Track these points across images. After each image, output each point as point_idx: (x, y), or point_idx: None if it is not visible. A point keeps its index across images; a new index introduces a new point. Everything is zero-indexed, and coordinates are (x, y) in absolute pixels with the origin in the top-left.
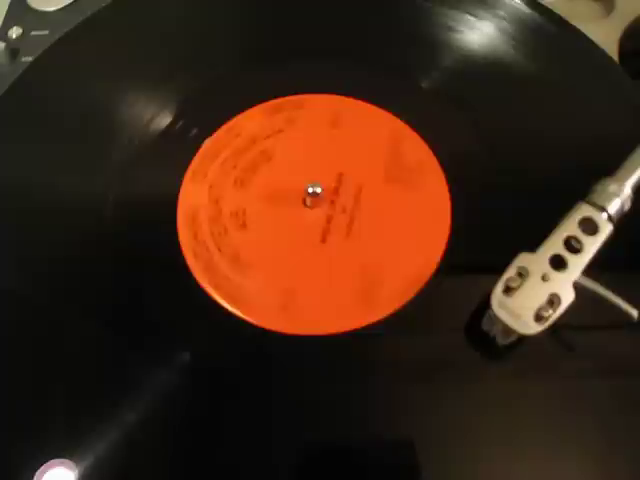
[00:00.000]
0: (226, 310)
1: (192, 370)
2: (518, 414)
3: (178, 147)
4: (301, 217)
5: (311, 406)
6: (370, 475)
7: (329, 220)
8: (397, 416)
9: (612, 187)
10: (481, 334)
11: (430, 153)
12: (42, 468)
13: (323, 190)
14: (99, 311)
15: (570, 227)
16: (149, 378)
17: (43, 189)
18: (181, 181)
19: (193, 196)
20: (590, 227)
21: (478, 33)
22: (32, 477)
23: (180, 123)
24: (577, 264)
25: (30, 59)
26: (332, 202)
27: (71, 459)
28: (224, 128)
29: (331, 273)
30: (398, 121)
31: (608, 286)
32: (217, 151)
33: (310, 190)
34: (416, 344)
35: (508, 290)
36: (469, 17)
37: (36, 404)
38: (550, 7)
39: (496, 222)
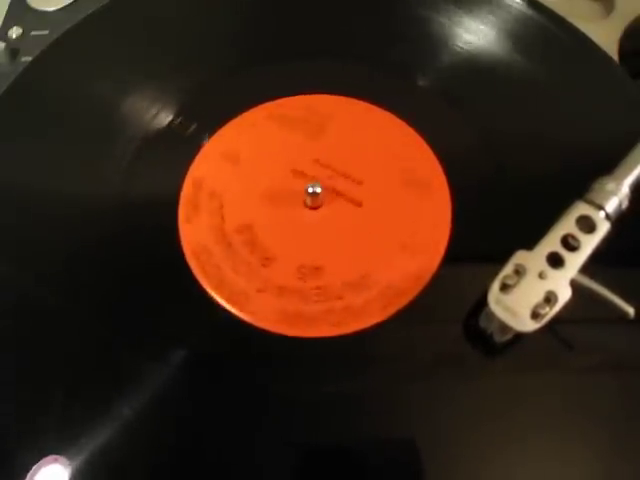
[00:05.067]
0: (226, 310)
1: (191, 370)
2: (517, 412)
3: (179, 146)
4: (301, 217)
5: (311, 406)
6: (370, 475)
7: (329, 219)
8: (397, 416)
9: (610, 185)
10: (479, 331)
11: (430, 152)
12: (36, 465)
13: (323, 189)
14: (98, 310)
15: (567, 225)
16: (147, 377)
17: (43, 189)
18: (182, 180)
19: (195, 195)
20: (587, 225)
21: (478, 33)
22: (26, 474)
23: (181, 122)
24: (574, 262)
25: (30, 59)
26: (331, 200)
27: (65, 456)
28: (226, 126)
29: (331, 272)
30: (398, 120)
31: (605, 284)
32: (218, 149)
33: (310, 190)
34: (415, 343)
35: (505, 287)
36: (469, 17)
37: (32, 401)
38: (550, 7)
39: (496, 220)
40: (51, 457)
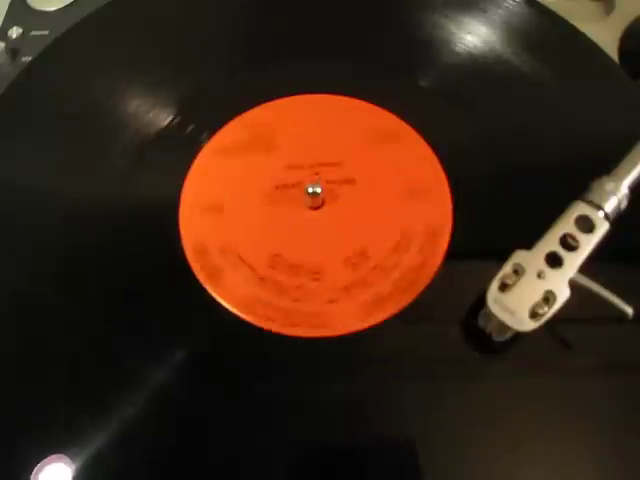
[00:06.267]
0: (226, 310)
1: (191, 369)
2: (516, 412)
3: (179, 146)
4: (302, 216)
5: (311, 406)
6: (370, 475)
7: (330, 220)
8: (395, 416)
9: (609, 185)
10: (477, 331)
11: (430, 152)
12: (40, 464)
13: (323, 190)
14: (98, 310)
15: (566, 225)
16: (148, 376)
17: (43, 189)
18: (182, 180)
19: (195, 195)
20: (586, 225)
21: (478, 33)
22: (30, 473)
23: (181, 123)
24: (573, 262)
25: (30, 59)
26: (330, 201)
27: (69, 455)
28: (225, 126)
29: (331, 273)
30: (398, 120)
31: (604, 284)
32: (218, 149)
33: (310, 190)
34: (414, 343)
35: (504, 287)
36: (469, 17)
37: (35, 400)
38: (550, 7)
39: (495, 220)
40: (55, 456)
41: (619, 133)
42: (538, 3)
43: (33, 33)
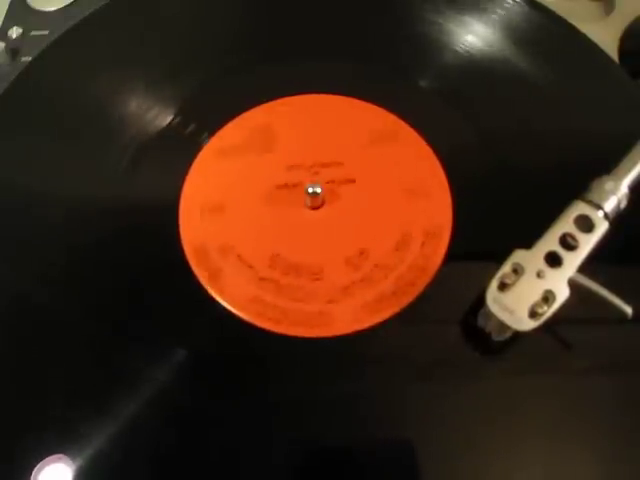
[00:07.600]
0: (226, 310)
1: (191, 369)
2: (515, 412)
3: (179, 146)
4: (302, 216)
5: (310, 406)
6: (369, 475)
7: (330, 221)
8: (396, 415)
9: (609, 185)
10: (477, 331)
11: (430, 152)
12: (40, 464)
13: (322, 190)
14: (98, 309)
15: (566, 224)
16: (148, 376)
17: (43, 189)
18: (182, 180)
19: (195, 195)
20: (586, 224)
21: (478, 33)
22: (30, 473)
23: (181, 122)
24: (572, 261)
25: (30, 59)
26: (330, 200)
27: (69, 455)
28: (225, 126)
29: (332, 273)
30: (398, 120)
31: (603, 283)
32: (219, 149)
33: (310, 190)
34: (414, 342)
35: (503, 286)
36: (469, 17)
37: (35, 400)
38: (550, 7)
39: (495, 220)
40: (55, 456)
41: (619, 133)
42: (538, 3)
43: (33, 33)
